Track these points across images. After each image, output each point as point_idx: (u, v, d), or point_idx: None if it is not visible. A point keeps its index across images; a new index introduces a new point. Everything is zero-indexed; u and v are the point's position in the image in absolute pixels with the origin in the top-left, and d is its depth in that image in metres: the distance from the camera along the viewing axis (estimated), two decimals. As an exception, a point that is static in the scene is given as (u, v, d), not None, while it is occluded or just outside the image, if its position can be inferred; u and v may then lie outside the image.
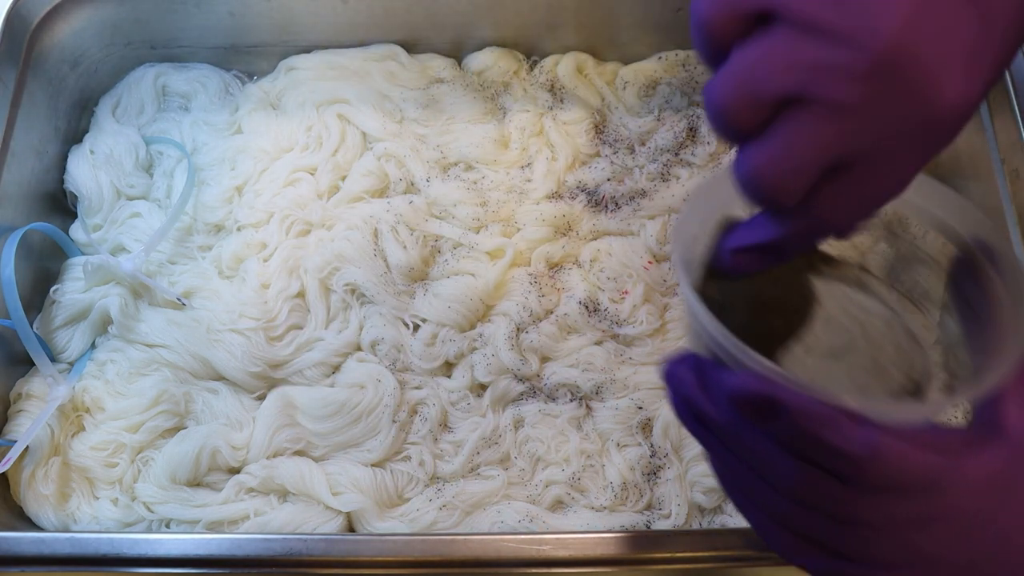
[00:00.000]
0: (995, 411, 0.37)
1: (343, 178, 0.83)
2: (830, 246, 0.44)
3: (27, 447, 0.69)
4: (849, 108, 0.32)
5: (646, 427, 0.72)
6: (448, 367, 0.76)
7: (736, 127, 0.34)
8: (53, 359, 0.75)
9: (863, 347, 0.42)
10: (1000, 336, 0.38)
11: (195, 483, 0.71)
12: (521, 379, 0.74)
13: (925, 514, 0.35)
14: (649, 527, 0.68)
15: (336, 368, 0.75)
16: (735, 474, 0.38)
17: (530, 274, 0.78)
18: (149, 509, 0.70)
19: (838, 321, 0.42)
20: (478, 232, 0.80)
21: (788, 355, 0.41)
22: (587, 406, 0.73)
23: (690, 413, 0.38)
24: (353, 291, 0.77)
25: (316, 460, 0.71)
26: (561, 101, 0.87)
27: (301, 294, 0.77)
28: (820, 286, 0.43)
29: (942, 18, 0.31)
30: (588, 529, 0.67)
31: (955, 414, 0.71)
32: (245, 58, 0.90)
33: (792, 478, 0.35)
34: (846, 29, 0.31)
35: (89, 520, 0.69)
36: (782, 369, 0.34)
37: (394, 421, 0.72)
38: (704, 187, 0.41)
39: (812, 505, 0.36)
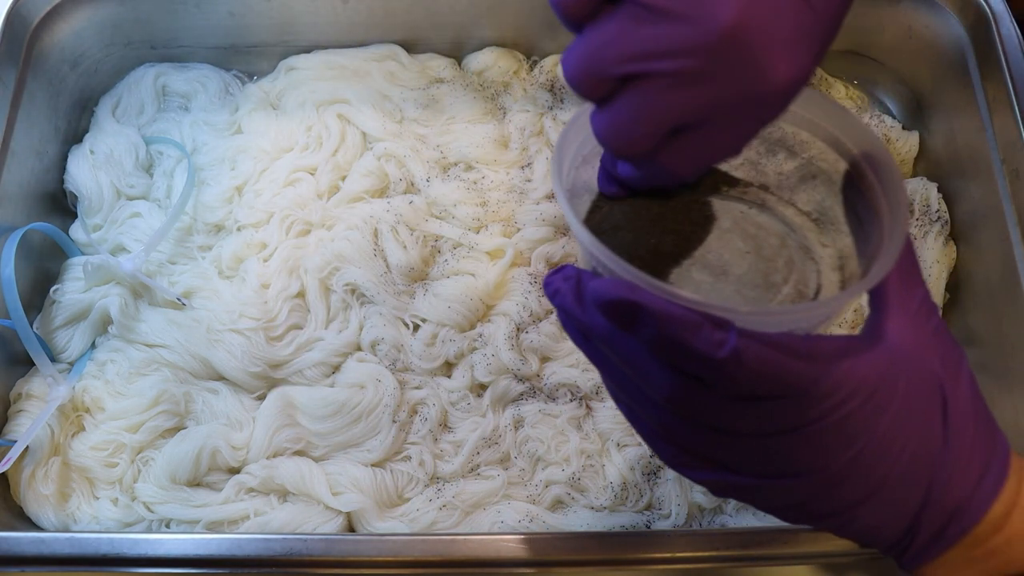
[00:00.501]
0: (879, 320, 0.38)
1: (343, 178, 0.83)
2: (732, 167, 0.45)
3: (27, 447, 0.69)
4: (686, 82, 0.34)
5: (646, 427, 0.72)
6: (448, 367, 0.76)
7: (588, 96, 0.38)
8: (53, 359, 0.75)
9: (755, 263, 0.42)
10: (879, 245, 0.39)
11: (195, 483, 0.71)
12: (521, 379, 0.74)
13: (797, 421, 0.35)
14: (649, 527, 0.68)
15: (336, 368, 0.75)
16: (620, 386, 0.39)
17: (530, 274, 0.78)
18: (149, 509, 0.70)
19: (731, 238, 0.43)
20: (478, 232, 0.80)
21: (678, 271, 0.41)
22: (587, 406, 0.73)
23: (573, 326, 0.38)
24: (353, 291, 0.77)
25: (316, 460, 0.71)
26: (561, 101, 0.87)
27: (301, 294, 0.77)
28: (718, 205, 0.44)
29: (772, 5, 0.34)
30: (588, 529, 0.67)
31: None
32: (245, 58, 0.90)
33: (665, 387, 0.36)
34: (686, 11, 0.33)
35: (89, 520, 0.69)
36: (662, 281, 0.34)
37: (394, 421, 0.72)
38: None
39: (687, 415, 0.36)
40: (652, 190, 0.42)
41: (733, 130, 0.37)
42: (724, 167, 0.45)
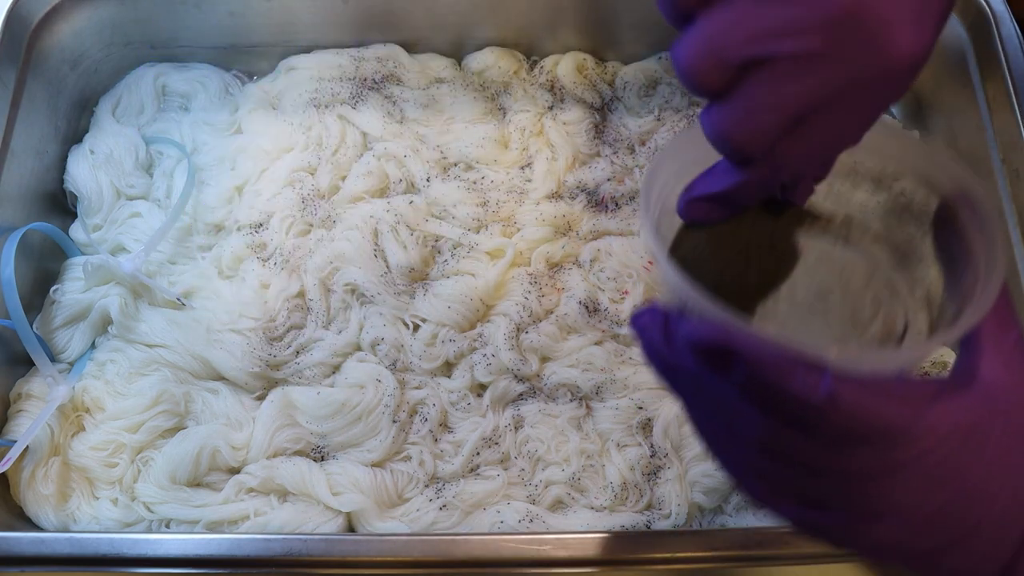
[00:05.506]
0: (972, 362, 0.38)
1: (343, 178, 0.83)
2: (817, 202, 0.44)
3: (27, 447, 0.69)
4: (808, 65, 0.34)
5: (646, 427, 0.72)
6: (448, 367, 0.76)
7: (704, 89, 0.36)
8: (53, 359, 0.75)
9: (842, 299, 0.42)
10: (973, 286, 0.38)
11: (195, 483, 0.71)
12: (521, 379, 0.74)
13: (891, 463, 0.35)
14: (649, 527, 0.68)
15: (336, 368, 0.75)
16: (706, 424, 0.39)
17: (530, 274, 0.78)
18: (149, 509, 0.70)
19: (818, 274, 0.42)
20: (478, 232, 0.80)
21: (764, 307, 0.41)
22: (587, 406, 0.73)
23: (659, 364, 0.37)
24: (353, 291, 0.77)
25: (316, 460, 0.71)
26: (561, 101, 0.87)
27: (301, 294, 0.77)
28: (804, 241, 0.43)
29: None
30: (588, 529, 0.67)
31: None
32: (245, 58, 0.90)
33: (756, 428, 0.35)
34: None
35: (89, 520, 0.69)
36: (752, 319, 0.34)
37: (394, 421, 0.72)
38: (678, 139, 0.42)
39: (778, 455, 0.36)
40: (735, 224, 0.41)
41: (856, 114, 0.36)
42: (809, 201, 0.44)
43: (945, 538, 0.37)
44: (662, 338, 0.36)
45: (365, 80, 0.87)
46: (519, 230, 0.80)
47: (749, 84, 0.35)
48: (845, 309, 0.41)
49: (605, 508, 0.69)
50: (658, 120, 0.86)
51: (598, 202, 0.82)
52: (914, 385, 0.35)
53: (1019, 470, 0.36)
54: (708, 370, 0.35)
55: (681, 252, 0.41)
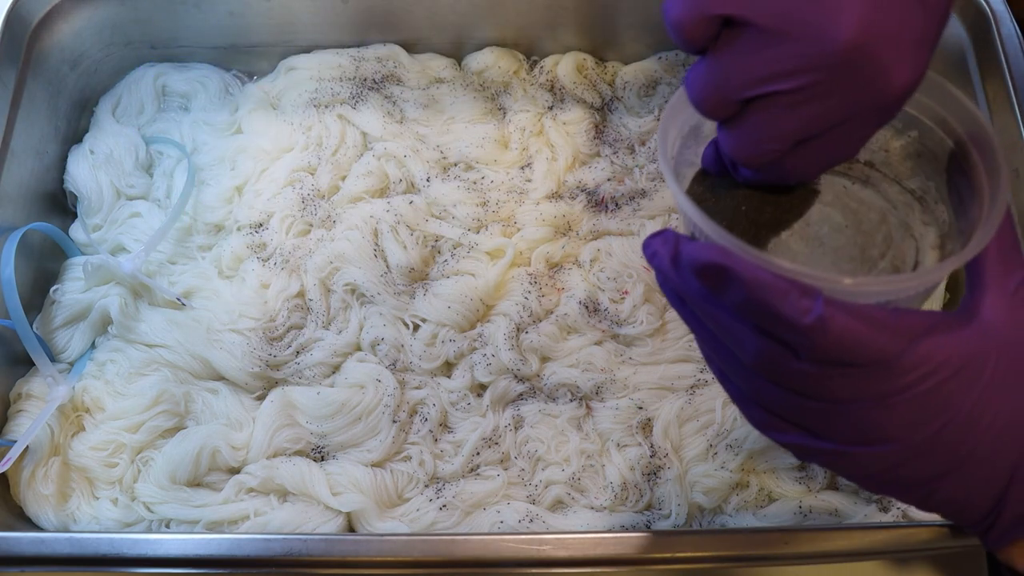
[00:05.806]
0: (975, 300, 0.39)
1: (343, 178, 0.83)
2: None
3: (27, 447, 0.69)
4: (810, 98, 0.36)
5: (646, 427, 0.72)
6: (448, 367, 0.76)
7: (714, 117, 0.40)
8: (53, 359, 0.75)
9: (853, 237, 0.43)
10: (978, 219, 0.40)
11: (195, 483, 0.71)
12: (521, 379, 0.74)
13: (881, 391, 0.36)
14: (649, 527, 0.68)
15: (336, 368, 0.75)
16: (712, 349, 0.40)
17: (530, 274, 0.78)
18: (149, 509, 0.70)
19: (831, 212, 0.44)
20: (478, 232, 0.80)
21: (776, 241, 0.43)
22: (587, 406, 0.73)
23: (668, 288, 0.39)
24: (353, 291, 0.77)
25: (316, 460, 0.71)
26: (561, 101, 0.87)
27: (301, 294, 0.77)
28: (821, 179, 0.45)
29: (892, 14, 0.35)
30: (588, 529, 0.67)
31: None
32: (245, 58, 0.90)
33: (752, 350, 0.37)
34: (805, 32, 0.34)
35: (89, 520, 0.69)
36: (764, 251, 0.36)
37: (394, 421, 0.72)
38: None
39: (774, 378, 0.37)
40: None
41: (851, 137, 0.39)
42: None
43: (938, 467, 0.38)
44: (670, 262, 0.37)
45: (365, 80, 0.87)
46: (519, 230, 0.80)
47: (751, 115, 0.38)
48: (855, 246, 0.43)
49: (605, 508, 0.69)
50: (658, 120, 0.86)
51: (598, 202, 0.82)
52: (907, 317, 0.36)
53: (1012, 404, 0.37)
54: (709, 291, 0.37)
55: (698, 189, 0.44)
